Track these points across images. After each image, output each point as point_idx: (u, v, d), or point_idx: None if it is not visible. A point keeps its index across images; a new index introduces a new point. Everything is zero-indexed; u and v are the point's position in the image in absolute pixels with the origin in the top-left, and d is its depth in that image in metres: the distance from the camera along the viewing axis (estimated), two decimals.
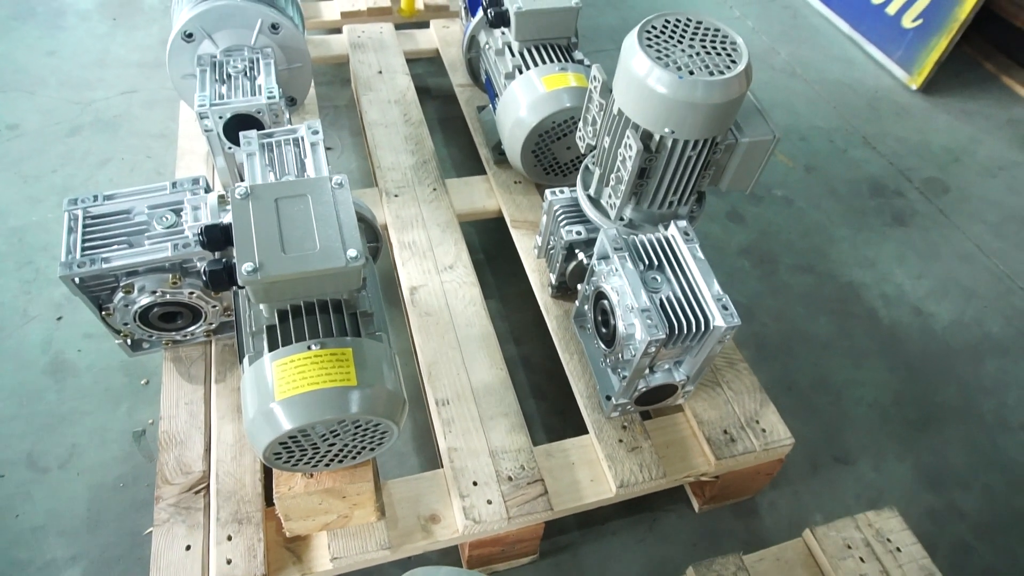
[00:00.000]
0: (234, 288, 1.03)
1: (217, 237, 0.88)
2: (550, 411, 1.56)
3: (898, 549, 1.16)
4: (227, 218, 1.01)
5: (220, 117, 1.38)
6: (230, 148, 1.44)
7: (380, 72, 2.01)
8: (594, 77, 1.25)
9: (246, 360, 0.92)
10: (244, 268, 0.83)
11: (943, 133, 2.40)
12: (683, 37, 1.13)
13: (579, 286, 1.36)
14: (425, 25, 2.28)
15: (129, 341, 1.27)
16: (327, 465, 0.98)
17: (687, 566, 1.19)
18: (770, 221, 2.04)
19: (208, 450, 1.19)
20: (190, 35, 1.50)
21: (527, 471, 1.20)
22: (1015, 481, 1.51)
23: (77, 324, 1.60)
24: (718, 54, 1.12)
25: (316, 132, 1.17)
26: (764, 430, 1.29)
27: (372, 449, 0.97)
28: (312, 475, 1.00)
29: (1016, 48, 2.67)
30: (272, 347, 0.90)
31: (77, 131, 2.05)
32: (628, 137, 1.15)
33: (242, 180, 1.50)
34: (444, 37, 2.18)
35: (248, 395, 0.90)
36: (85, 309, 1.62)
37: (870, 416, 1.61)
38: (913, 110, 2.49)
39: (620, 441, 1.25)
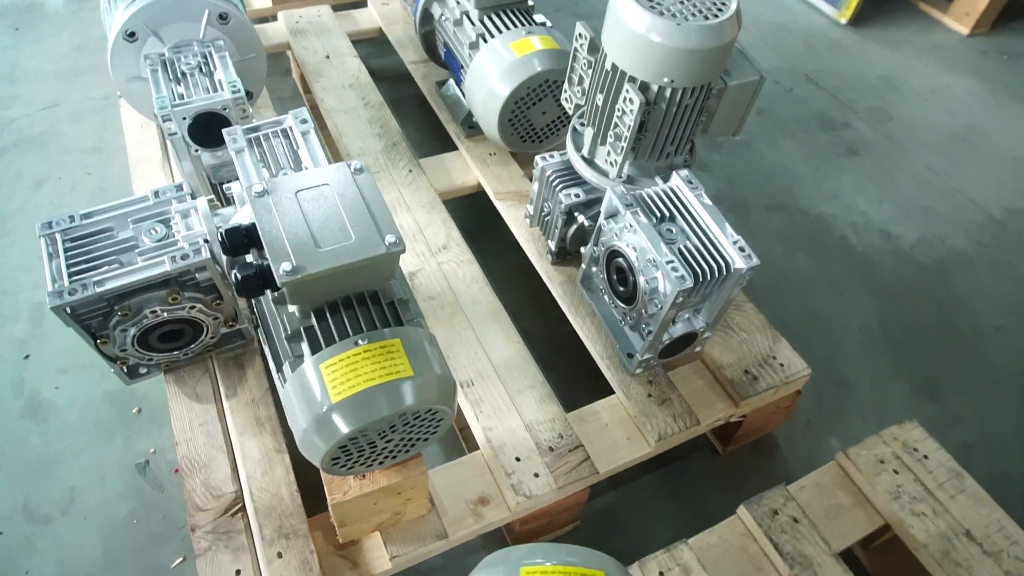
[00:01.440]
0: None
1: (240, 240, 0.82)
2: (560, 380, 1.53)
3: (925, 457, 1.21)
4: (237, 219, 0.95)
5: (184, 118, 1.29)
6: (197, 151, 1.35)
7: (328, 57, 1.92)
8: (580, 35, 1.23)
9: (286, 367, 0.87)
10: (282, 269, 0.78)
11: (877, 63, 2.50)
12: None
13: (582, 249, 1.35)
14: (362, 4, 2.19)
15: (125, 368, 1.18)
16: (381, 463, 0.94)
17: (722, 509, 1.22)
18: (734, 166, 2.08)
19: (235, 469, 1.13)
20: (132, 34, 1.39)
21: (566, 439, 1.20)
22: (1000, 381, 1.61)
23: (48, 359, 1.48)
24: None
25: (305, 121, 1.10)
26: (782, 364, 1.32)
27: (426, 439, 0.94)
28: (365, 476, 0.96)
29: None
30: (314, 349, 0.85)
31: (1, 153, 1.88)
32: (627, 91, 1.14)
33: (212, 182, 1.41)
34: (385, 15, 2.10)
35: (296, 404, 0.85)
36: (53, 343, 1.51)
37: (861, 341, 1.67)
38: (846, 44, 2.57)
39: (649, 396, 1.26)
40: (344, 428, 0.81)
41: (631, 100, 1.13)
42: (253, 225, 0.83)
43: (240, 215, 0.95)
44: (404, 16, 2.10)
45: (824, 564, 1.10)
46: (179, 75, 1.36)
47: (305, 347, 0.86)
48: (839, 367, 1.61)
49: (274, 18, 2.11)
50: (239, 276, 0.80)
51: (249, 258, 0.93)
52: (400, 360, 0.84)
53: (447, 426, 0.94)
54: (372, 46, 2.30)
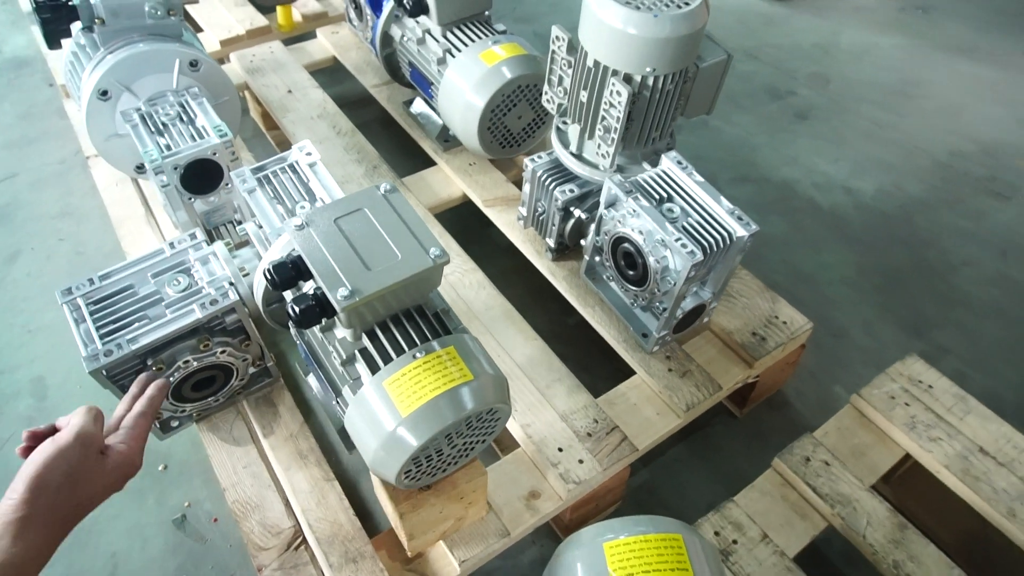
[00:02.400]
0: (294, 328, 0.99)
1: (289, 275, 0.84)
2: (575, 369, 1.58)
3: (930, 387, 1.30)
4: (271, 256, 0.96)
5: (175, 168, 1.29)
6: (191, 199, 1.35)
7: (290, 91, 1.93)
8: (556, 37, 1.28)
9: (345, 391, 0.89)
10: (339, 295, 0.80)
11: (808, 32, 2.63)
12: None
13: (582, 242, 1.40)
14: (311, 36, 2.20)
15: (158, 424, 1.17)
16: (444, 471, 0.97)
17: (751, 467, 1.28)
18: (696, 145, 2.17)
19: (288, 504, 1.14)
20: (105, 93, 1.38)
21: (601, 423, 1.24)
22: (977, 310, 1.73)
23: None
24: None
25: (310, 153, 1.12)
26: (785, 322, 1.39)
27: (484, 441, 0.97)
28: (429, 486, 0.98)
29: None
30: (373, 369, 0.87)
31: None
32: (613, 85, 1.19)
33: (206, 228, 1.41)
34: (337, 43, 2.12)
35: (363, 425, 0.87)
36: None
37: (845, 291, 1.77)
38: (776, 18, 2.70)
39: (670, 370, 1.32)
40: (417, 440, 0.83)
41: (619, 92, 1.19)
42: (298, 258, 0.84)
43: (272, 251, 0.97)
44: (357, 42, 2.12)
45: (861, 499, 1.17)
46: (160, 127, 1.36)
47: (362, 368, 0.88)
48: (831, 318, 1.70)
49: (222, 61, 2.10)
50: (297, 309, 0.82)
51: (287, 293, 0.95)
52: (459, 366, 0.87)
53: (503, 425, 0.97)
54: (324, 75, 2.31)
